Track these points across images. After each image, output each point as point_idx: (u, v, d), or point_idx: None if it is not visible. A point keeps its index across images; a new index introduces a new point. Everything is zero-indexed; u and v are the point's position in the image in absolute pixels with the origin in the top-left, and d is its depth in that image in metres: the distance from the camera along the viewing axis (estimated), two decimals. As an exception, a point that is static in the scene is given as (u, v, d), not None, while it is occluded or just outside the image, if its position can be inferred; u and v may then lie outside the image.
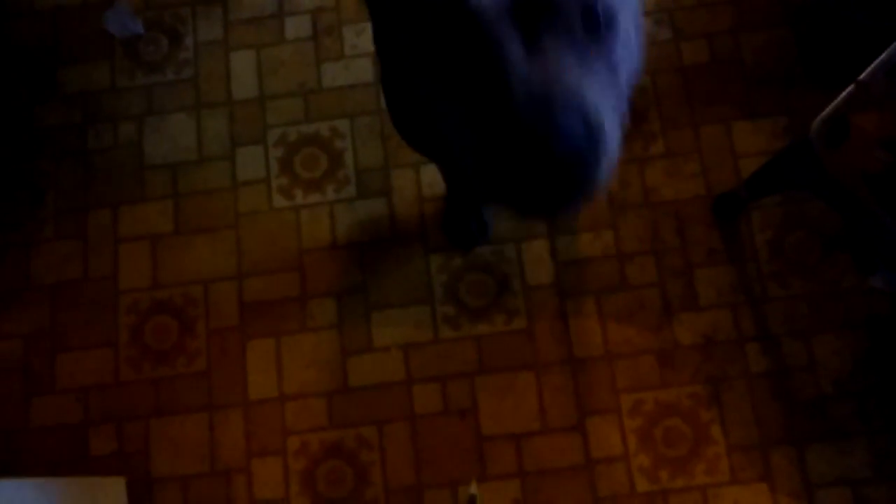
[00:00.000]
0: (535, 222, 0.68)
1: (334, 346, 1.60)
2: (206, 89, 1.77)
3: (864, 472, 1.48)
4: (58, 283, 1.67)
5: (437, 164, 1.44)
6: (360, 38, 1.78)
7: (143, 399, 1.60)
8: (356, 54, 1.77)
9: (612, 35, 0.72)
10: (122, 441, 1.58)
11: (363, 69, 1.76)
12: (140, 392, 1.60)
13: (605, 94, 0.70)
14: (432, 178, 1.68)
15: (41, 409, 1.61)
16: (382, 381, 1.57)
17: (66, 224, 1.70)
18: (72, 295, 1.66)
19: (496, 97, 0.67)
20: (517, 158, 0.65)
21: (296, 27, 1.79)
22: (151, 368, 1.61)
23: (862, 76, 1.18)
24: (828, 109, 1.23)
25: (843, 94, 1.20)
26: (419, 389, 1.56)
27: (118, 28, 1.81)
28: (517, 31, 0.69)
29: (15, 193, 1.73)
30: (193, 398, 1.59)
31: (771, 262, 1.59)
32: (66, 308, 1.66)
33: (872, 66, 1.19)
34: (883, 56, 1.20)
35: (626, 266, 1.61)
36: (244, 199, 1.70)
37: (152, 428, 1.58)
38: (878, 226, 1.23)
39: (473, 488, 1.45)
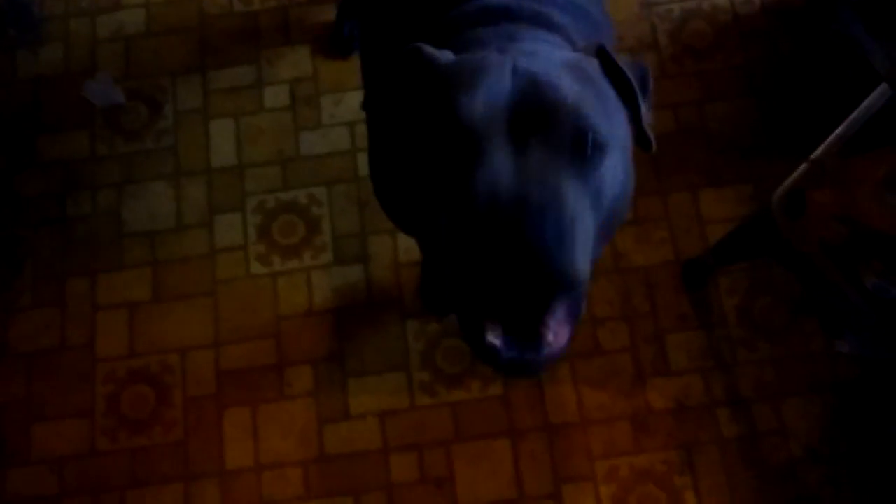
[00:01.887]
0: (509, 373, 0.69)
1: (311, 414, 1.60)
2: (186, 157, 1.80)
3: (835, 537, 1.50)
4: (35, 351, 1.67)
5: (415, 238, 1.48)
6: (338, 107, 1.82)
7: (119, 470, 1.59)
8: (334, 123, 1.81)
9: (599, 164, 0.73)
10: (97, 513, 1.56)
11: (341, 137, 1.80)
12: (116, 462, 1.59)
13: (582, 211, 0.70)
14: (409, 244, 1.71)
15: (15, 481, 1.59)
16: (359, 449, 1.58)
17: (44, 292, 1.71)
18: (49, 364, 1.66)
19: (475, 197, 0.68)
20: (488, 258, 0.65)
21: (274, 96, 1.83)
22: (127, 438, 1.61)
23: (815, 154, 1.23)
24: (785, 184, 1.27)
25: (799, 170, 1.24)
26: (396, 458, 1.57)
27: (99, 97, 1.84)
28: (507, 142, 0.71)
29: (-7, 262, 1.74)
30: (170, 468, 1.59)
31: (739, 326, 1.63)
32: (42, 377, 1.65)
33: (825, 143, 1.23)
34: (835, 133, 1.25)
35: (599, 331, 1.63)
36: (222, 266, 1.72)
37: (128, 500, 1.57)
38: (839, 294, 1.26)
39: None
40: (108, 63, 1.87)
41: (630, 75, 0.82)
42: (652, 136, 0.83)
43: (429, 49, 0.82)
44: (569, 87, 0.74)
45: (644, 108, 0.82)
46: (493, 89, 0.73)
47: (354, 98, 1.82)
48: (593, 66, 0.82)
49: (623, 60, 0.85)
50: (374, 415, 1.59)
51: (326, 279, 1.70)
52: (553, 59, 0.78)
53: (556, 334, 0.72)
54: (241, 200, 1.76)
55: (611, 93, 0.81)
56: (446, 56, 0.83)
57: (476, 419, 1.58)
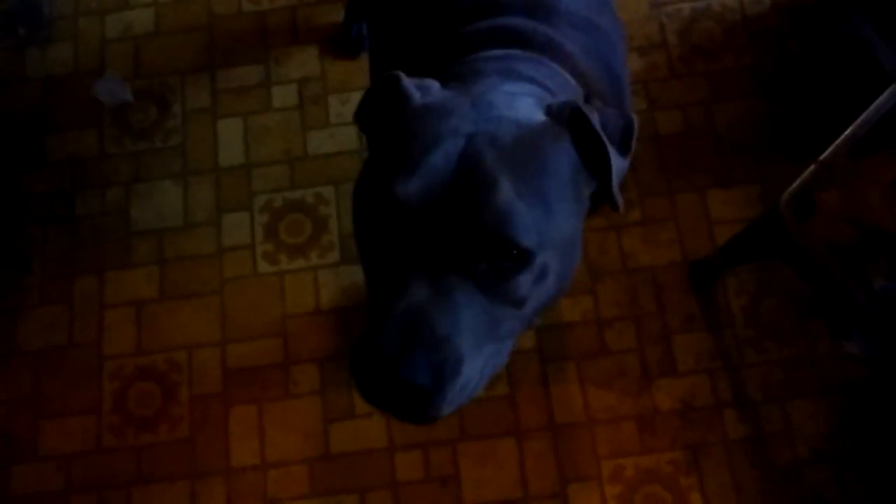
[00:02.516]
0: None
1: (317, 412, 1.60)
2: (194, 156, 1.80)
3: (842, 539, 1.50)
4: (43, 348, 1.68)
5: None
6: (346, 106, 1.82)
7: (125, 467, 1.60)
8: (341, 122, 1.81)
9: (520, 271, 0.74)
10: (104, 510, 1.57)
11: (348, 137, 1.80)
12: (122, 460, 1.60)
13: (485, 330, 0.74)
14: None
15: (23, 477, 1.60)
16: (364, 447, 1.58)
17: (52, 290, 1.72)
18: (56, 361, 1.67)
19: (384, 297, 0.74)
20: (365, 362, 0.72)
21: (282, 96, 1.84)
22: (134, 436, 1.61)
23: (823, 155, 1.22)
24: (794, 185, 1.27)
25: (807, 171, 1.24)
26: (401, 457, 1.57)
27: (108, 96, 1.85)
28: (428, 237, 0.73)
29: (2, 259, 1.74)
30: (176, 466, 1.59)
31: (747, 328, 1.62)
32: (50, 374, 1.66)
33: (834, 144, 1.23)
34: (844, 134, 1.24)
35: (606, 331, 1.63)
36: (229, 264, 1.72)
37: (134, 497, 1.57)
38: (847, 296, 1.26)
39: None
40: (117, 62, 1.88)
41: (604, 137, 0.79)
42: (620, 199, 0.81)
43: (406, 82, 0.82)
44: (511, 189, 0.73)
45: (618, 167, 0.80)
46: (436, 171, 0.74)
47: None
48: (557, 136, 0.79)
49: (610, 113, 0.83)
50: (380, 414, 1.59)
51: (333, 278, 1.70)
52: (513, 129, 0.77)
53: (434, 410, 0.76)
54: (248, 199, 1.76)
55: (566, 174, 0.79)
56: (426, 89, 0.82)
57: (482, 418, 1.58)
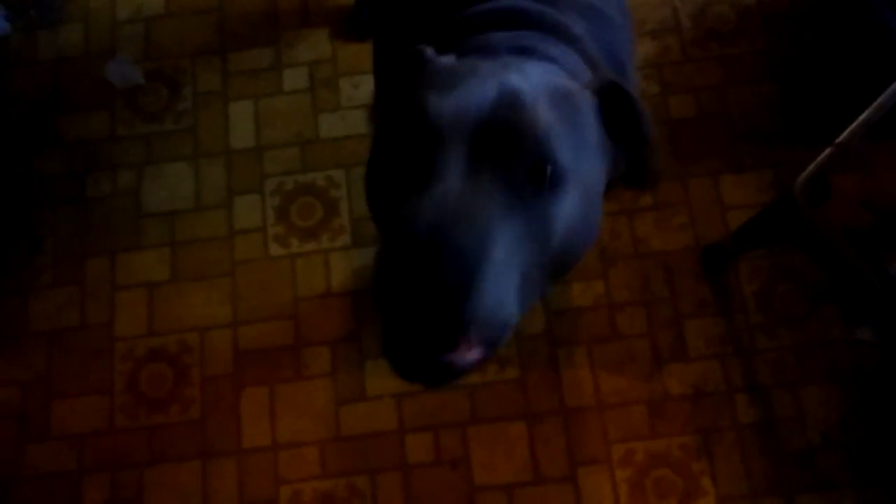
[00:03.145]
0: (409, 378, 0.68)
1: (328, 394, 1.61)
2: (205, 139, 1.80)
3: (853, 524, 1.50)
4: (55, 330, 1.68)
5: None
6: (357, 89, 1.81)
7: (137, 447, 1.60)
8: (352, 105, 1.81)
9: (553, 200, 0.71)
10: (116, 489, 1.58)
11: (359, 120, 1.80)
12: (134, 440, 1.61)
13: (513, 251, 0.68)
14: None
15: (35, 457, 1.61)
16: (375, 430, 1.58)
17: (64, 271, 1.72)
18: (68, 342, 1.68)
19: (410, 217, 0.66)
20: (399, 273, 0.64)
21: (293, 79, 1.83)
22: (146, 416, 1.62)
23: (840, 138, 1.21)
24: (809, 169, 1.26)
25: (823, 154, 1.23)
26: (412, 439, 1.57)
27: (119, 78, 1.85)
28: (464, 155, 0.69)
29: (14, 241, 1.75)
30: (187, 446, 1.60)
31: (759, 313, 1.62)
32: (62, 355, 1.67)
33: (851, 127, 1.22)
34: (861, 117, 1.23)
35: (617, 316, 1.63)
36: (240, 247, 1.72)
37: (146, 477, 1.58)
38: (862, 281, 1.25)
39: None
40: (128, 44, 1.88)
41: (640, 105, 0.79)
42: (657, 165, 0.81)
43: (430, 52, 0.81)
44: (545, 115, 0.72)
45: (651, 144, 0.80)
46: (470, 96, 0.72)
47: (372, 81, 1.81)
48: (586, 101, 0.79)
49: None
50: (391, 396, 1.60)
51: (344, 261, 1.70)
52: (545, 83, 0.76)
53: (464, 355, 0.69)
54: (259, 182, 1.76)
55: (594, 135, 0.78)
56: (448, 59, 0.82)
57: (492, 401, 1.58)
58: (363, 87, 1.81)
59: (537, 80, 0.76)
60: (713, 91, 1.76)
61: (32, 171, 1.79)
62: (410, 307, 0.64)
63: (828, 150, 1.22)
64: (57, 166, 1.80)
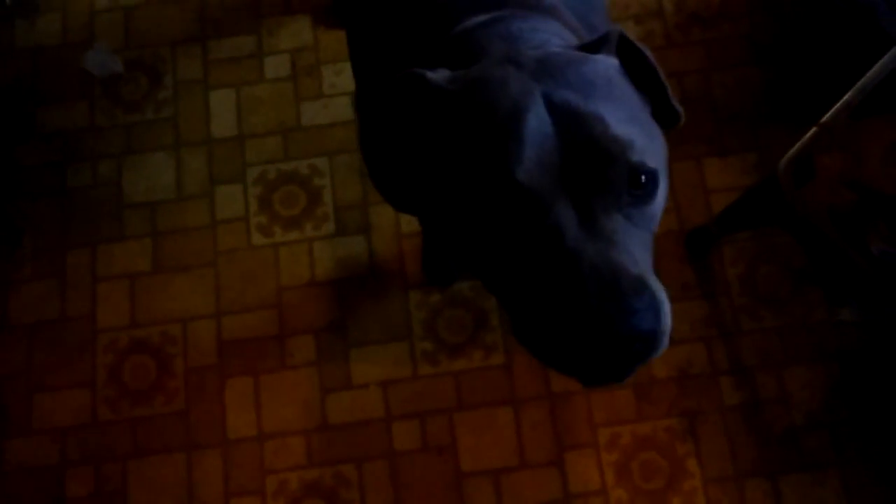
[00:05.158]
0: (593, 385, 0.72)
1: (313, 383, 1.60)
2: (186, 128, 1.78)
3: (837, 503, 1.50)
4: (35, 322, 1.66)
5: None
6: (339, 77, 1.80)
7: (120, 439, 1.59)
8: (335, 93, 1.79)
9: (654, 195, 0.73)
10: (100, 483, 1.56)
11: (342, 108, 1.78)
12: (118, 432, 1.59)
13: (647, 258, 0.73)
14: (411, 216, 1.70)
15: (16, 451, 1.59)
16: (361, 418, 1.58)
17: (45, 263, 1.70)
18: (49, 334, 1.66)
19: (558, 273, 0.67)
20: (580, 335, 0.66)
21: (275, 66, 1.82)
22: (129, 408, 1.61)
23: (824, 118, 1.21)
24: (793, 150, 1.26)
25: (807, 135, 1.23)
26: (398, 426, 1.57)
27: (98, 67, 1.83)
28: (566, 198, 0.69)
29: (-8, 233, 1.73)
30: (172, 438, 1.58)
31: (743, 295, 1.62)
32: (43, 348, 1.65)
33: (835, 108, 1.22)
34: (845, 97, 1.24)
35: (602, 301, 1.63)
36: (223, 237, 1.71)
37: (130, 469, 1.57)
38: (846, 261, 1.26)
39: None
40: (107, 33, 1.85)
41: (647, 52, 0.79)
42: (679, 108, 0.82)
43: (431, 75, 0.77)
44: (614, 119, 0.71)
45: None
46: (539, 139, 0.69)
47: (355, 68, 1.80)
48: (613, 69, 0.77)
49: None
50: (377, 384, 1.59)
51: (328, 250, 1.69)
52: (579, 76, 0.74)
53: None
54: (241, 171, 1.75)
55: (637, 97, 0.78)
56: (443, 75, 0.78)
57: (478, 388, 1.58)
58: (345, 75, 1.80)
59: (570, 73, 0.74)
60: (697, 75, 1.76)
61: (11, 163, 1.77)
62: (608, 339, 0.66)
63: (812, 131, 1.22)
64: (36, 157, 1.77)
